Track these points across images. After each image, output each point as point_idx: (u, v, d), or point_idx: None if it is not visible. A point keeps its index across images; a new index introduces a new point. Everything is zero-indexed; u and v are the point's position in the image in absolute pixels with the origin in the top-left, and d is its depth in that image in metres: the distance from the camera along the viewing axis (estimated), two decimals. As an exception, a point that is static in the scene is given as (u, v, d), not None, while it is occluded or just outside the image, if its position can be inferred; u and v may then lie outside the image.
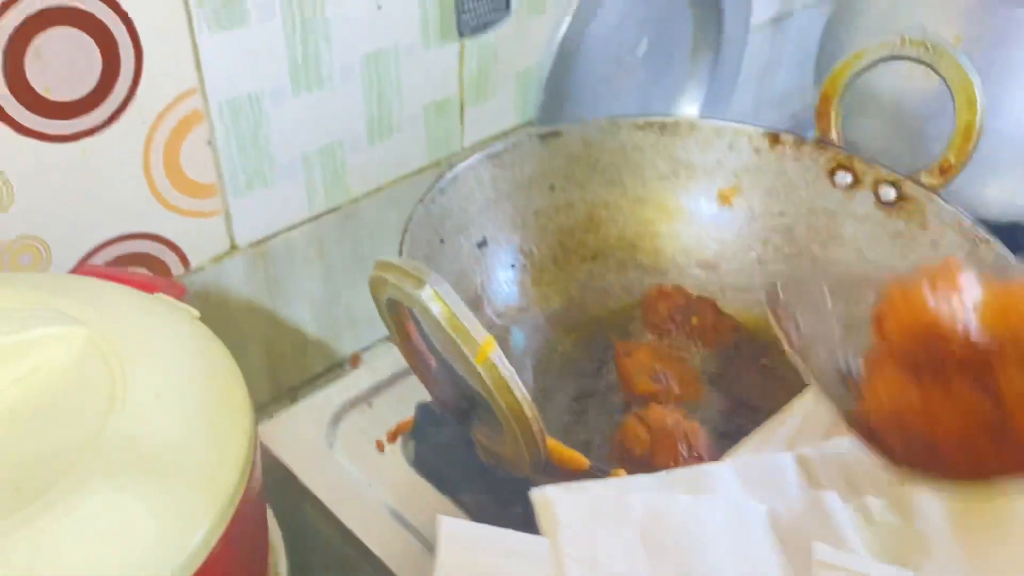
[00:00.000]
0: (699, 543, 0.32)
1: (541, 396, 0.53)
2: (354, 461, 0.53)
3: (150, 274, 0.56)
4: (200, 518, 0.38)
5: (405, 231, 0.47)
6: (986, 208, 0.64)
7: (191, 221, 0.59)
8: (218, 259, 0.61)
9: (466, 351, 0.32)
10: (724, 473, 0.34)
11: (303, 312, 0.69)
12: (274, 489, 0.51)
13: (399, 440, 0.54)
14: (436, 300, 0.32)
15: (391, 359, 0.58)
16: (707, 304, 0.56)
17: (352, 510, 0.50)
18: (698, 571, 0.31)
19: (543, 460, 0.36)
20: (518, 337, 0.55)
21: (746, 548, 0.32)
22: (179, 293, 0.50)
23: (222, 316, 0.63)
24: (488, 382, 0.33)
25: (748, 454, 0.36)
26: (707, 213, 0.60)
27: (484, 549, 0.32)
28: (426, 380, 0.39)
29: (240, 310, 0.65)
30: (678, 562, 0.32)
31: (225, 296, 0.63)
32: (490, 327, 0.54)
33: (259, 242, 0.63)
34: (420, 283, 0.33)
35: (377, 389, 0.57)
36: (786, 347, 0.35)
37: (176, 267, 0.60)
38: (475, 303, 0.53)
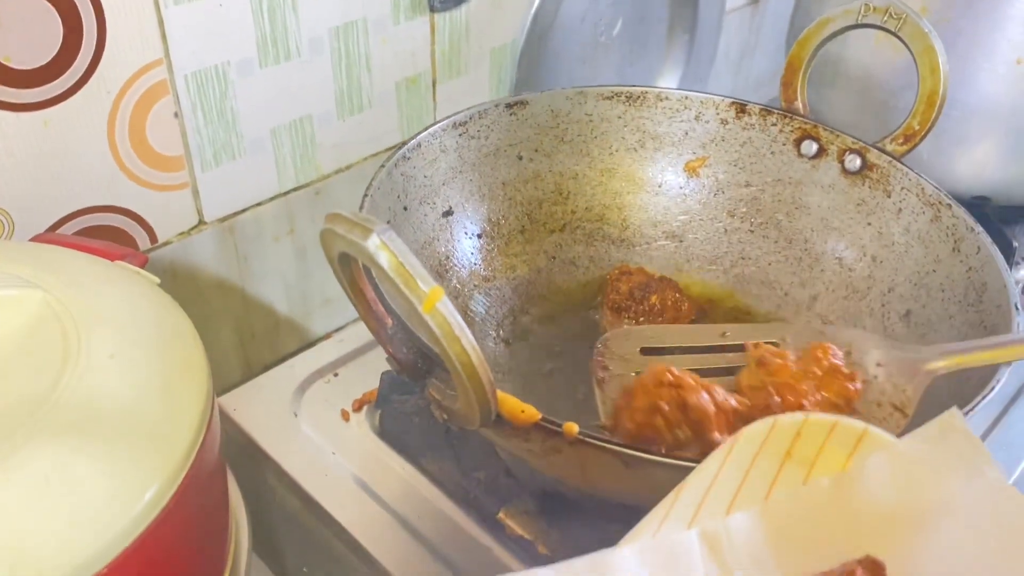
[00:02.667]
0: None
1: (505, 365, 0.53)
2: (319, 431, 0.52)
3: (112, 243, 0.55)
4: (151, 476, 0.38)
5: (366, 195, 0.47)
6: (954, 182, 0.64)
7: (158, 195, 0.58)
8: (186, 234, 0.61)
9: (413, 300, 0.32)
10: (626, 561, 0.32)
11: (275, 290, 0.68)
12: (237, 459, 0.51)
13: (364, 410, 0.54)
14: (383, 249, 0.32)
15: (357, 330, 0.58)
16: (667, 284, 0.56)
17: (316, 479, 0.50)
18: None
19: (493, 413, 0.36)
20: (482, 305, 0.55)
21: None
22: (141, 262, 0.50)
23: (191, 292, 0.63)
24: (436, 331, 0.33)
25: (649, 536, 0.34)
26: (674, 184, 0.60)
27: None
28: (381, 338, 0.39)
29: (210, 287, 0.64)
30: None
31: (194, 272, 0.63)
32: (455, 296, 0.54)
33: (228, 217, 0.63)
34: (367, 232, 0.32)
35: (343, 360, 0.57)
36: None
37: (143, 241, 0.59)
38: (440, 272, 0.53)
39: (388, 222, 0.48)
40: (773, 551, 0.33)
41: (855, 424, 0.36)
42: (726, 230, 0.59)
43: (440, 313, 0.33)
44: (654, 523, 0.34)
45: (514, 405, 0.36)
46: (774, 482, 0.35)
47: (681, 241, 0.60)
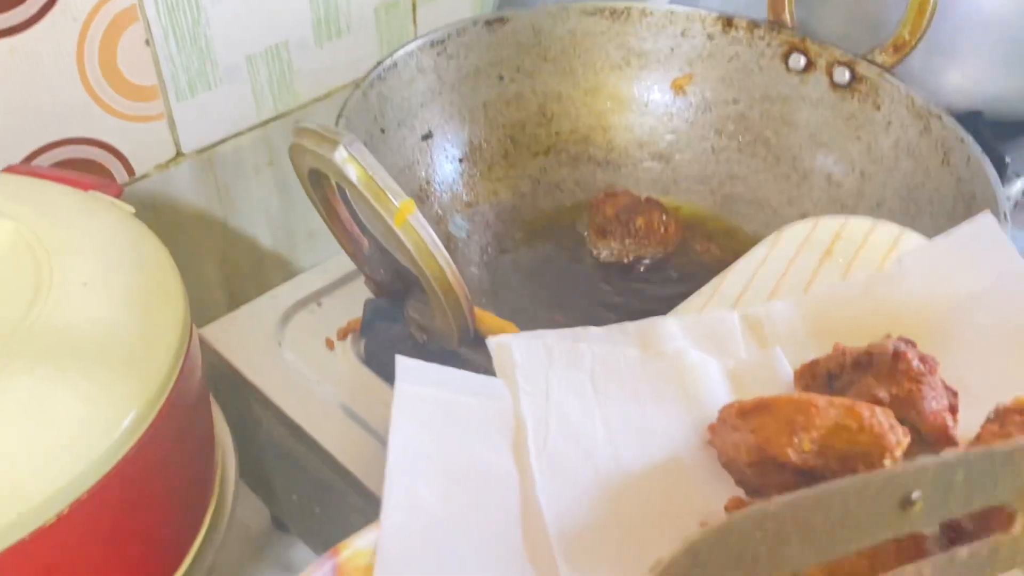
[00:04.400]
0: (646, 394, 0.33)
1: (490, 290, 0.52)
2: (304, 360, 0.52)
3: (85, 174, 0.54)
4: (129, 402, 0.37)
5: (340, 116, 0.46)
6: (946, 96, 0.62)
7: (133, 126, 0.57)
8: (164, 166, 0.60)
9: (384, 214, 0.31)
10: (672, 329, 0.34)
11: (258, 223, 0.67)
12: (223, 389, 0.51)
13: (349, 338, 0.53)
14: (351, 162, 0.31)
15: (340, 260, 0.57)
16: (653, 205, 0.55)
17: (302, 407, 0.50)
18: (643, 419, 0.32)
19: (471, 330, 0.35)
20: (465, 231, 0.54)
21: (697, 399, 0.33)
22: (115, 192, 0.49)
23: (172, 226, 0.62)
24: (409, 246, 0.32)
25: (694, 312, 0.36)
26: (660, 103, 0.58)
27: (440, 385, 0.32)
28: (358, 260, 0.39)
29: (191, 220, 0.63)
30: (625, 410, 0.32)
31: (174, 205, 0.62)
32: (436, 222, 0.53)
33: (206, 148, 0.61)
34: (334, 145, 0.32)
35: (327, 289, 0.56)
36: None
37: (121, 174, 0.58)
38: (420, 197, 0.52)
39: (364, 144, 0.47)
40: (810, 334, 0.35)
41: (892, 226, 0.39)
42: (714, 149, 0.58)
43: (412, 227, 0.32)
44: (698, 304, 0.37)
45: (492, 322, 0.36)
46: (814, 276, 0.37)
47: (668, 162, 0.58)
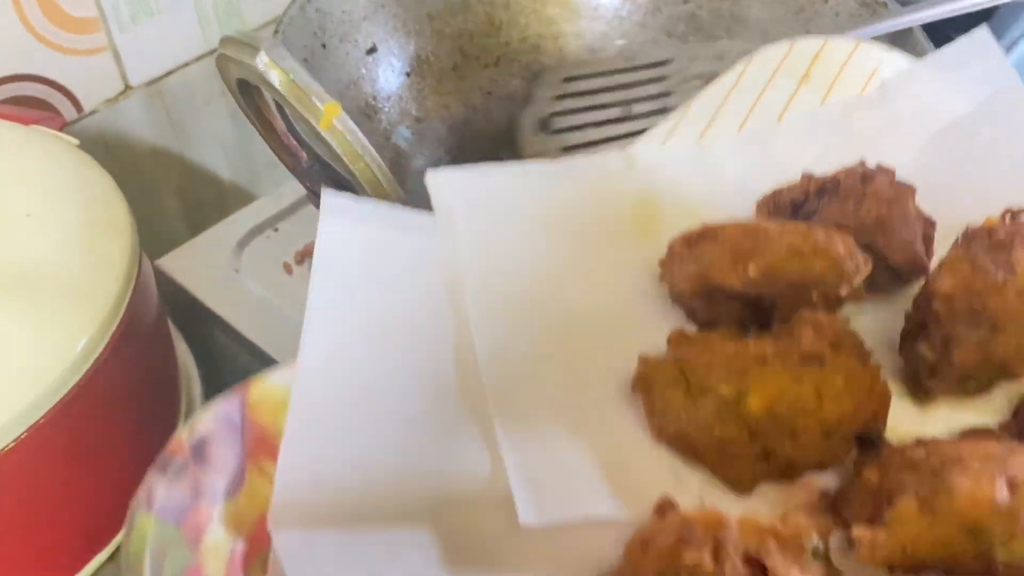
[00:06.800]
0: (596, 231, 0.31)
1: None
2: (262, 284, 0.52)
3: (27, 108, 0.54)
4: (80, 329, 0.37)
5: (276, 31, 0.45)
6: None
7: (76, 60, 0.56)
8: (113, 100, 0.59)
9: (309, 118, 0.31)
10: (628, 164, 0.32)
11: (215, 156, 0.67)
12: (183, 318, 0.51)
13: (306, 262, 0.53)
14: (273, 67, 0.31)
15: (295, 185, 0.56)
16: None
17: (262, 330, 0.50)
18: (593, 256, 0.30)
19: (410, 233, 0.35)
20: (415, 146, 0.53)
21: (649, 235, 0.31)
22: (58, 125, 0.49)
23: (127, 162, 0.61)
24: (337, 149, 0.32)
25: (655, 144, 0.33)
26: (610, 7, 0.57)
27: (370, 222, 0.29)
28: (298, 173, 0.38)
29: (146, 156, 0.63)
30: (573, 247, 0.30)
31: (127, 141, 0.61)
32: (385, 138, 0.53)
33: (154, 80, 0.60)
34: (255, 51, 0.31)
35: (282, 214, 0.56)
36: None
37: (69, 111, 0.57)
38: (368, 114, 0.52)
39: (305, 60, 0.46)
40: (780, 164, 0.32)
41: (877, 47, 0.35)
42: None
43: (339, 130, 0.32)
44: (663, 133, 0.33)
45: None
46: (790, 102, 0.34)
47: (620, 67, 0.58)
